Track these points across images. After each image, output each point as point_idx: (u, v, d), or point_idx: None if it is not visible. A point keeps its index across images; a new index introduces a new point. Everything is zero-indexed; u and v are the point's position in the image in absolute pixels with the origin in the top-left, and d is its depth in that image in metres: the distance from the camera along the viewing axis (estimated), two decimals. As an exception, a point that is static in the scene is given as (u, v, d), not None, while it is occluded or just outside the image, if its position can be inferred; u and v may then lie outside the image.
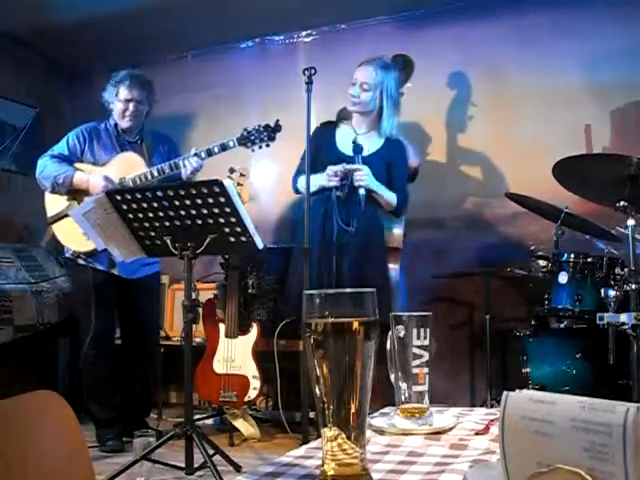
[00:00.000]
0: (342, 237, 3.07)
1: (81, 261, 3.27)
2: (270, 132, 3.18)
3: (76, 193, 3.24)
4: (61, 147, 3.33)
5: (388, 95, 3.21)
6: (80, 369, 3.32)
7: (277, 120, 3.20)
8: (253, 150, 3.21)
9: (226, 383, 3.43)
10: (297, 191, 3.42)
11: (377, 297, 0.72)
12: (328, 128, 3.41)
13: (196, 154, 3.17)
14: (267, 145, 3.20)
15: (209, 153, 3.17)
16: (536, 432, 0.56)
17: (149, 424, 3.45)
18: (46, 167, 3.25)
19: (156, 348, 3.65)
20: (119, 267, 3.25)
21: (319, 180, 3.15)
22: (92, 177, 3.20)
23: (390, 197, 3.23)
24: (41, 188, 3.31)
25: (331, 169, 3.11)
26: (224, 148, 3.16)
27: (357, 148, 3.18)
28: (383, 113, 3.24)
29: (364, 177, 3.08)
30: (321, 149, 3.26)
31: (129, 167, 3.28)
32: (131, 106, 3.32)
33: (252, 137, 3.16)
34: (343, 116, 3.62)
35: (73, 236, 3.13)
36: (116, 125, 3.40)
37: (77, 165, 3.30)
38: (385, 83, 3.21)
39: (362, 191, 3.08)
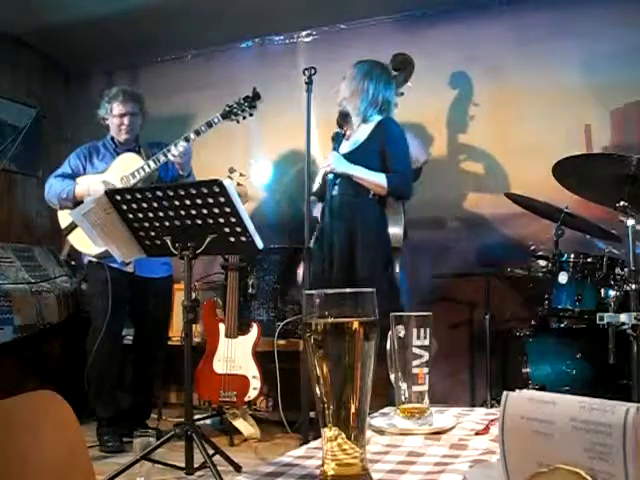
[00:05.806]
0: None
1: (99, 261, 3.31)
2: (250, 101, 3.35)
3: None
4: (64, 168, 3.52)
5: (362, 88, 3.16)
6: (89, 365, 3.30)
7: (254, 88, 3.36)
8: (238, 122, 3.38)
9: (226, 383, 3.43)
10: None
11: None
12: None
13: (185, 137, 3.28)
14: (250, 115, 3.38)
15: (197, 133, 3.30)
16: (536, 432, 0.56)
17: (149, 425, 3.45)
18: (51, 187, 3.46)
19: (164, 351, 3.65)
20: (137, 266, 3.31)
21: None
22: (92, 185, 3.32)
23: (376, 178, 3.04)
24: (51, 207, 3.53)
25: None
26: (210, 125, 3.31)
27: (336, 138, 3.23)
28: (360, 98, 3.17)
29: (329, 161, 3.08)
30: None
31: (128, 165, 3.37)
32: (126, 120, 3.49)
33: (234, 110, 3.34)
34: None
35: (87, 242, 3.15)
36: (113, 139, 3.56)
37: (79, 179, 3.43)
38: (362, 83, 3.17)
39: (330, 177, 3.12)
